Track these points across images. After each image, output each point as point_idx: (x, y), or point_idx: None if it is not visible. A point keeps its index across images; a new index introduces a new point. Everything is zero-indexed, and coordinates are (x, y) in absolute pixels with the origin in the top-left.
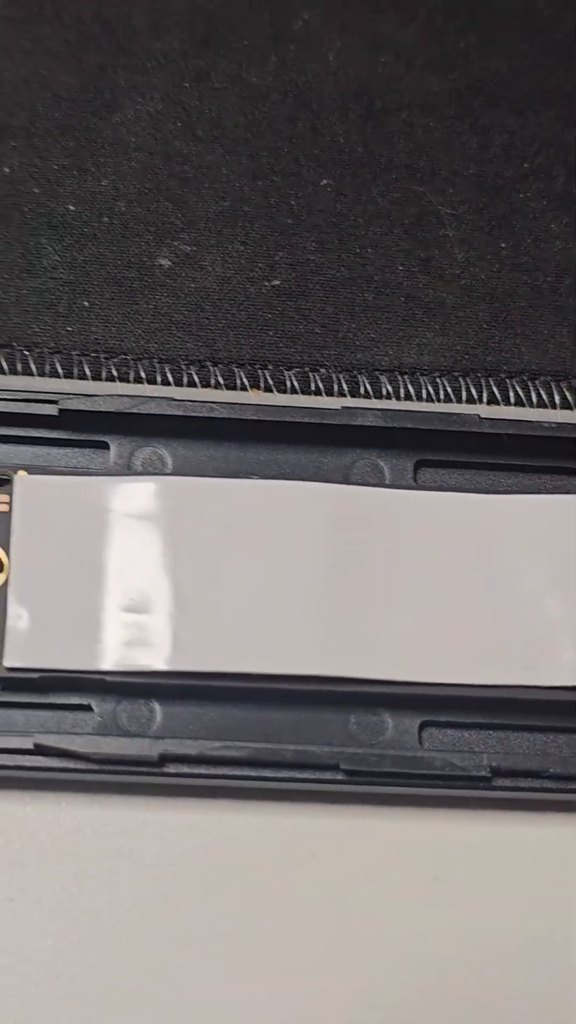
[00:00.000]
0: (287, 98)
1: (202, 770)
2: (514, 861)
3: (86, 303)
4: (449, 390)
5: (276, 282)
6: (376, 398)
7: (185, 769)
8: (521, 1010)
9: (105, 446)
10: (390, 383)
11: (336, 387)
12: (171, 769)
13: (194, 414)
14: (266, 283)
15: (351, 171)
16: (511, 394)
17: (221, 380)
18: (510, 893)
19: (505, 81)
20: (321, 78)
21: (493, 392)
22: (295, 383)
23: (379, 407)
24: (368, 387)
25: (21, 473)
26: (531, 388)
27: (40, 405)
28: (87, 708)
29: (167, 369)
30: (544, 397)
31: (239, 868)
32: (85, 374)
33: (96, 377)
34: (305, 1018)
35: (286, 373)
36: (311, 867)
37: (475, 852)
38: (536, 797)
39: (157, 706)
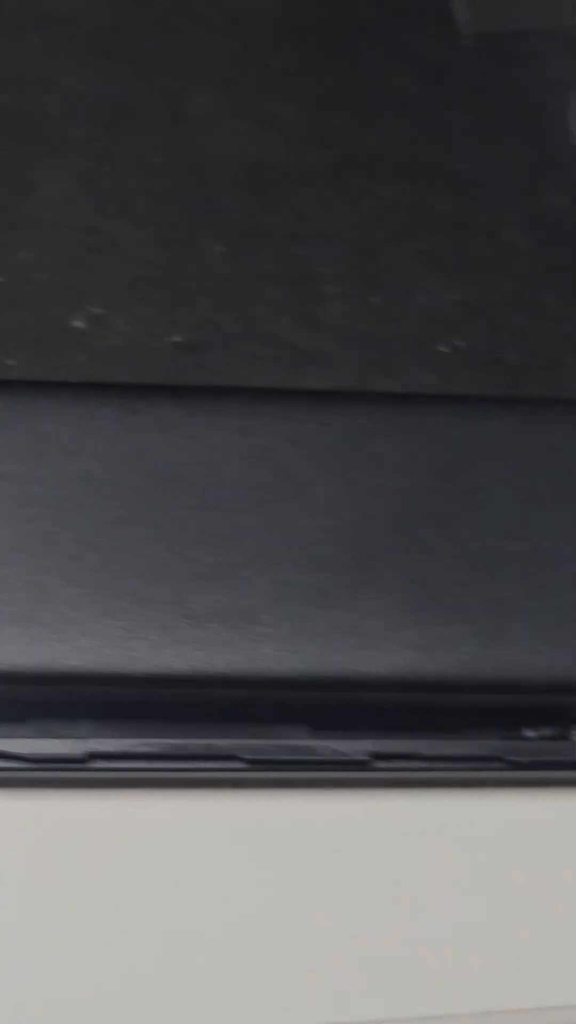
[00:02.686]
0: (184, 175)
1: (124, 764)
2: (391, 831)
3: (11, 362)
4: None
5: (178, 338)
6: None
7: (109, 764)
8: (400, 956)
9: None
10: None
11: None
12: (97, 765)
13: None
14: (169, 339)
15: (241, 238)
16: None
17: None
18: (388, 857)
19: (376, 153)
20: (214, 156)
21: None
22: None
23: None
24: None
25: None
26: None
27: None
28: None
29: None
30: None
31: (158, 847)
32: None
33: None
34: (220, 975)
35: None
36: (222, 845)
37: (359, 824)
38: (408, 776)
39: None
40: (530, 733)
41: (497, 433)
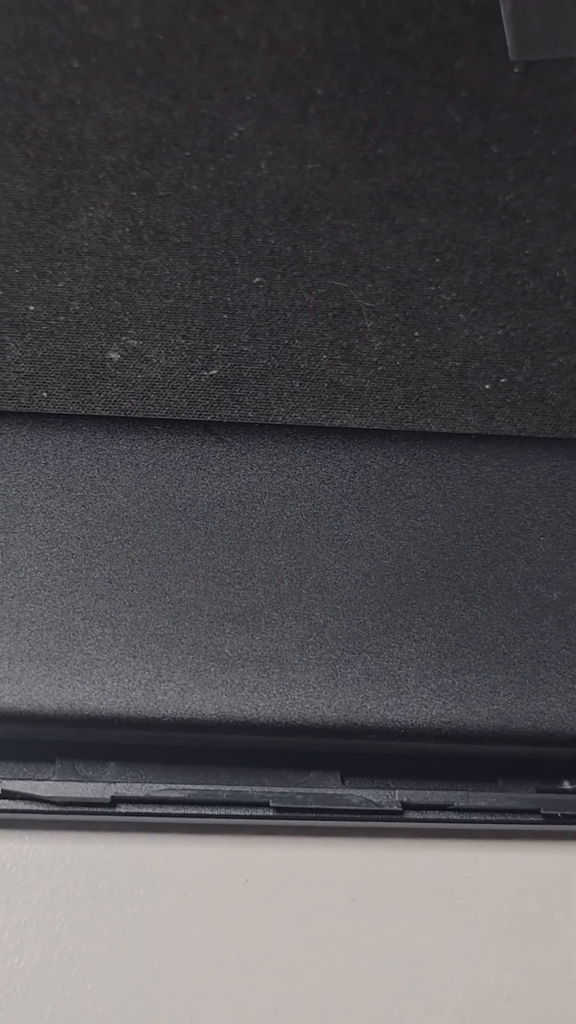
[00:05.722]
0: (223, 204)
1: (149, 809)
2: (422, 883)
3: (44, 394)
4: None
5: (214, 372)
6: None
7: (134, 809)
8: (431, 1010)
9: None
10: None
11: None
12: (122, 809)
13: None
14: (204, 373)
15: (280, 270)
16: None
17: None
18: (419, 909)
19: (420, 184)
20: (254, 185)
21: None
22: None
23: None
24: None
25: None
26: None
27: None
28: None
29: None
30: None
31: (181, 893)
32: None
33: None
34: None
35: None
36: (245, 891)
37: (389, 876)
38: (441, 827)
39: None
40: (568, 785)
41: (538, 475)
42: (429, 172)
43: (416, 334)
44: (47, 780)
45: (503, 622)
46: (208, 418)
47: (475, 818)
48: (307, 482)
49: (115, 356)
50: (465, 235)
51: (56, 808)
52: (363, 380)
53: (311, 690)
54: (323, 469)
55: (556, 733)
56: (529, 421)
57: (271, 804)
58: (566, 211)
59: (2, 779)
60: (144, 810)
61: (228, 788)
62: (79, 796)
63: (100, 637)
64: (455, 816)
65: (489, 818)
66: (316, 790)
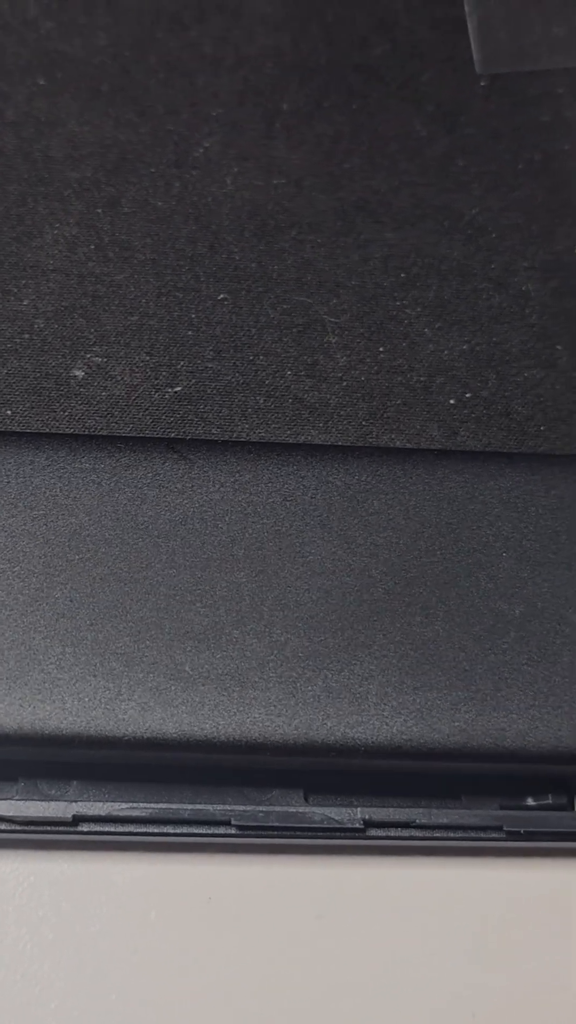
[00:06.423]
0: (188, 220)
1: (111, 828)
2: (385, 900)
3: (8, 412)
4: None
5: (178, 389)
6: None
7: (96, 828)
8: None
9: None
10: None
11: None
12: (84, 828)
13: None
14: (169, 390)
15: (245, 286)
16: None
17: None
18: (383, 926)
19: (385, 198)
20: (219, 201)
21: None
22: None
23: None
24: None
25: None
26: None
27: None
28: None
29: None
30: None
31: (144, 911)
32: None
33: None
34: None
35: None
36: (209, 910)
37: (353, 893)
38: (403, 844)
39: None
40: (531, 801)
41: (501, 490)
42: (395, 186)
43: (381, 349)
44: (9, 799)
45: (465, 639)
46: (172, 435)
47: (438, 835)
48: (270, 499)
49: (79, 374)
50: (431, 249)
51: (18, 827)
52: (328, 396)
53: (272, 708)
54: (286, 486)
55: (518, 750)
56: (494, 436)
57: (233, 822)
58: (532, 224)
59: None
60: (106, 829)
61: (190, 806)
62: (41, 815)
63: (61, 656)
64: (418, 833)
65: (452, 835)
66: (278, 808)
